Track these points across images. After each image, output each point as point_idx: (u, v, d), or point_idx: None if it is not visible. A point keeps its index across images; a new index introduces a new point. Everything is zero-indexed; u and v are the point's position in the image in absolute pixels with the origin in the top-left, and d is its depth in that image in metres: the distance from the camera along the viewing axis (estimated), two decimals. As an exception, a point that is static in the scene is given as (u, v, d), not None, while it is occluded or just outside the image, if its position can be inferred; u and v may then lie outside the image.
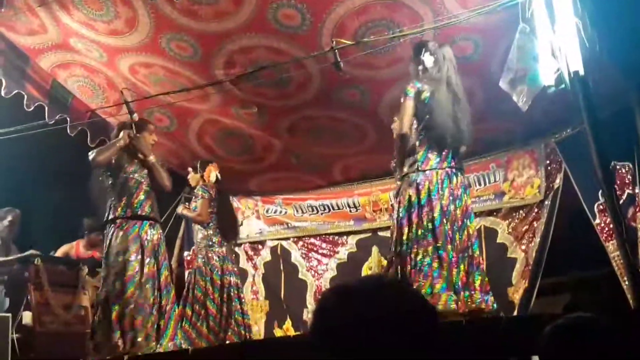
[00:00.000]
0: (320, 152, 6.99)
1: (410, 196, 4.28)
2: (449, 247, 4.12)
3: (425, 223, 4.19)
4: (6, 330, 4.94)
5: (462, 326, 3.72)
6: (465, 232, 4.23)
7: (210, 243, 5.93)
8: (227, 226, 6.14)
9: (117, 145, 5.06)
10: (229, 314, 5.75)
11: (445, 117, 4.24)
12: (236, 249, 7.61)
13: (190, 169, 6.28)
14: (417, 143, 4.38)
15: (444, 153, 4.33)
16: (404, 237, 4.24)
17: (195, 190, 6.10)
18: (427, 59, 4.45)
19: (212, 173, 6.13)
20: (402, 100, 4.39)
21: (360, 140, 6.71)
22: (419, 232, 4.19)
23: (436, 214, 4.18)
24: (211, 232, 5.97)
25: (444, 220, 4.17)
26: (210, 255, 5.87)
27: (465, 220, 4.26)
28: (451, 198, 4.23)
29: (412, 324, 1.18)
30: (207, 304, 5.74)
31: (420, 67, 4.49)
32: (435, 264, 4.09)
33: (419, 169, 4.31)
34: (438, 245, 4.12)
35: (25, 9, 5.14)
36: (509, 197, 6.53)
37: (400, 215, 4.31)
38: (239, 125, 6.64)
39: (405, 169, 4.41)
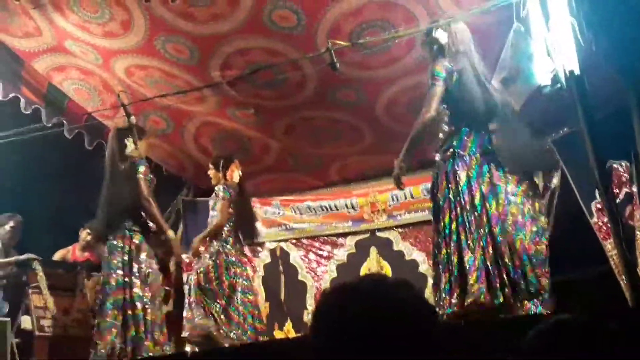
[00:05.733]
0: (318, 153, 6.99)
1: (449, 186, 4.03)
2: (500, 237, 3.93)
3: (459, 217, 3.97)
4: (5, 334, 4.95)
5: (461, 326, 3.72)
6: (510, 218, 4.00)
7: (225, 245, 5.73)
8: (246, 226, 5.98)
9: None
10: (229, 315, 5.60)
11: (475, 94, 4.02)
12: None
13: (211, 166, 6.05)
14: (452, 126, 4.13)
15: (481, 134, 4.12)
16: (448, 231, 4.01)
17: (215, 190, 5.89)
18: (440, 35, 4.17)
19: (235, 172, 5.94)
20: (430, 82, 4.07)
21: (357, 141, 6.71)
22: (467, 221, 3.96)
23: (465, 209, 3.95)
24: (226, 233, 5.77)
25: (487, 208, 3.95)
26: (222, 257, 5.67)
27: (507, 206, 4.02)
28: (491, 184, 4.01)
29: (412, 324, 1.18)
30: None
31: (435, 47, 4.21)
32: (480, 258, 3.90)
33: (457, 153, 4.06)
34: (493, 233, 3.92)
35: (19, 11, 5.13)
36: (507, 197, 6.52)
37: (441, 206, 4.07)
38: (236, 127, 6.64)
39: (439, 156, 4.16)
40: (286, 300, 7.42)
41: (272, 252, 7.62)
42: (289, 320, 7.29)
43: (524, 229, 4.09)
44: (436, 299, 4.08)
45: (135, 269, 4.84)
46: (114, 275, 4.80)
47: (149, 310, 4.79)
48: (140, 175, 4.91)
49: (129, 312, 4.74)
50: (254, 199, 7.68)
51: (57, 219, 6.96)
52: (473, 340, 3.43)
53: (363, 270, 7.18)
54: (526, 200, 4.14)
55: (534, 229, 4.17)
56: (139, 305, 4.76)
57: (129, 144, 5.04)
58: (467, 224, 3.97)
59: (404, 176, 4.18)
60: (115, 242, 4.89)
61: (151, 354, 4.70)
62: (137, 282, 4.82)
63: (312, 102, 6.05)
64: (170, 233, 5.08)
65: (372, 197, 7.29)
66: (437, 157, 4.19)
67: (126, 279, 4.81)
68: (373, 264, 7.20)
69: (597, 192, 5.00)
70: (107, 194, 4.96)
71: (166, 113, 6.40)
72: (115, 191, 4.95)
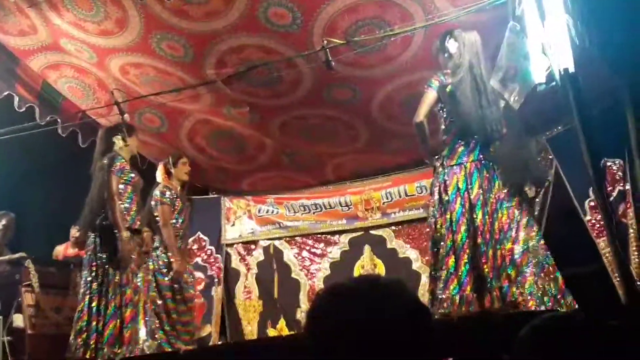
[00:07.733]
0: (312, 151, 6.99)
1: (440, 194, 4.25)
2: (467, 245, 4.08)
3: (448, 221, 4.16)
4: (-2, 332, 4.95)
5: (454, 324, 3.73)
6: (497, 225, 4.15)
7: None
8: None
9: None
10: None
11: (469, 107, 4.18)
12: (228, 249, 7.62)
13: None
14: (445, 136, 4.34)
15: (471, 145, 4.27)
16: (437, 236, 4.24)
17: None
18: (451, 45, 4.40)
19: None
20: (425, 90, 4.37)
21: (352, 139, 6.71)
22: (443, 231, 4.18)
23: (455, 215, 4.14)
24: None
25: (474, 216, 4.13)
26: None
27: (494, 213, 4.17)
28: (481, 191, 4.16)
29: (406, 325, 1.19)
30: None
31: (446, 55, 4.44)
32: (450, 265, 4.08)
33: (444, 164, 4.28)
34: (457, 243, 4.09)
35: (15, 9, 5.12)
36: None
37: (434, 214, 4.30)
38: (231, 125, 6.63)
39: (436, 163, 4.38)
40: (279, 298, 7.42)
41: (266, 250, 7.61)
42: (282, 318, 7.30)
43: (512, 237, 4.21)
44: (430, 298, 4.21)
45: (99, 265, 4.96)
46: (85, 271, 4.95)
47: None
48: (112, 169, 5.01)
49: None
50: (249, 197, 7.69)
51: (51, 217, 6.94)
52: (466, 337, 3.44)
53: (356, 268, 7.20)
54: (519, 210, 4.26)
55: (523, 237, 4.29)
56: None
57: (117, 141, 5.12)
58: (454, 232, 4.13)
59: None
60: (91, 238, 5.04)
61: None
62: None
63: (307, 100, 6.05)
64: (125, 234, 4.96)
65: (366, 195, 7.29)
66: (436, 162, 4.40)
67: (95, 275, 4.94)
68: (367, 261, 7.21)
69: (591, 190, 5.03)
70: (91, 191, 5.10)
71: (161, 111, 6.39)
72: (96, 187, 5.08)
